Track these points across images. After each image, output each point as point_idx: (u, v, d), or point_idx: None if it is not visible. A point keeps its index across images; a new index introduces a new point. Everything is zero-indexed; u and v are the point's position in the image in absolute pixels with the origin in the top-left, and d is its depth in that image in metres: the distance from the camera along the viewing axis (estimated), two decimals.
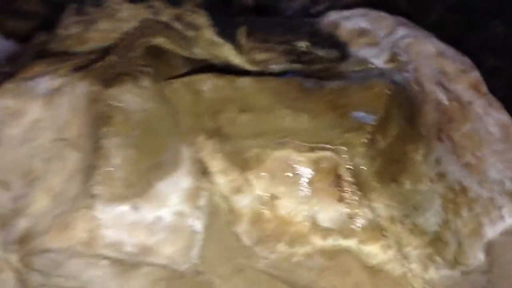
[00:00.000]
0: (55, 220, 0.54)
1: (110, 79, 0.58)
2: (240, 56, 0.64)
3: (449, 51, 0.78)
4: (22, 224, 0.56)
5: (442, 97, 0.70)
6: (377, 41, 0.77)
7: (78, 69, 0.63)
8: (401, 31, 0.77)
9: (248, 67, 0.64)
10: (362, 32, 0.78)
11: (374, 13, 0.82)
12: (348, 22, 0.80)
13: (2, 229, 0.57)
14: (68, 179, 0.56)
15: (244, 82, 0.60)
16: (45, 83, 0.64)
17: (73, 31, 0.70)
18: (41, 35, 0.73)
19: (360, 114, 0.58)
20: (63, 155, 0.58)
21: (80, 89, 0.60)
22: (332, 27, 0.80)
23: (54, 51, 0.72)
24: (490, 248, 0.61)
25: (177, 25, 0.65)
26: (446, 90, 0.72)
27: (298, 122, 0.57)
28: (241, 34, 0.64)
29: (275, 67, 0.63)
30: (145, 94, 0.58)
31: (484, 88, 0.76)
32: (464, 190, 0.62)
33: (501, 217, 0.63)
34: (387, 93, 0.59)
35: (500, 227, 0.62)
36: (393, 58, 0.70)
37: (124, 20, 0.66)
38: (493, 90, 0.97)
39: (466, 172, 0.64)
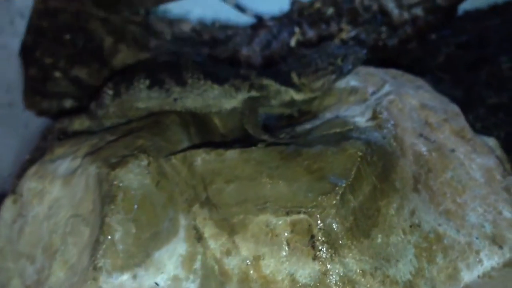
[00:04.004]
0: None
1: (115, 162, 0.67)
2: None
3: (434, 101, 0.81)
4: None
5: (422, 148, 0.73)
6: (365, 98, 0.81)
7: (91, 152, 0.71)
8: (387, 87, 0.81)
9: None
10: (352, 91, 0.83)
11: (364, 70, 0.87)
12: (340, 82, 0.86)
13: None
14: (81, 252, 0.65)
15: (231, 154, 0.67)
16: (65, 164, 0.73)
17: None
18: (63, 121, 0.83)
19: (333, 177, 0.63)
20: (77, 230, 0.66)
21: (91, 170, 0.69)
22: None
23: (76, 131, 0.83)
24: None
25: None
26: (427, 141, 0.75)
27: (277, 188, 0.63)
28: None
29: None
30: (144, 172, 0.66)
31: (469, 134, 0.79)
32: (439, 237, 0.66)
33: (479, 261, 0.66)
34: (359, 154, 0.64)
35: (478, 270, 0.66)
36: (374, 116, 0.74)
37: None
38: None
39: (443, 220, 0.68)
